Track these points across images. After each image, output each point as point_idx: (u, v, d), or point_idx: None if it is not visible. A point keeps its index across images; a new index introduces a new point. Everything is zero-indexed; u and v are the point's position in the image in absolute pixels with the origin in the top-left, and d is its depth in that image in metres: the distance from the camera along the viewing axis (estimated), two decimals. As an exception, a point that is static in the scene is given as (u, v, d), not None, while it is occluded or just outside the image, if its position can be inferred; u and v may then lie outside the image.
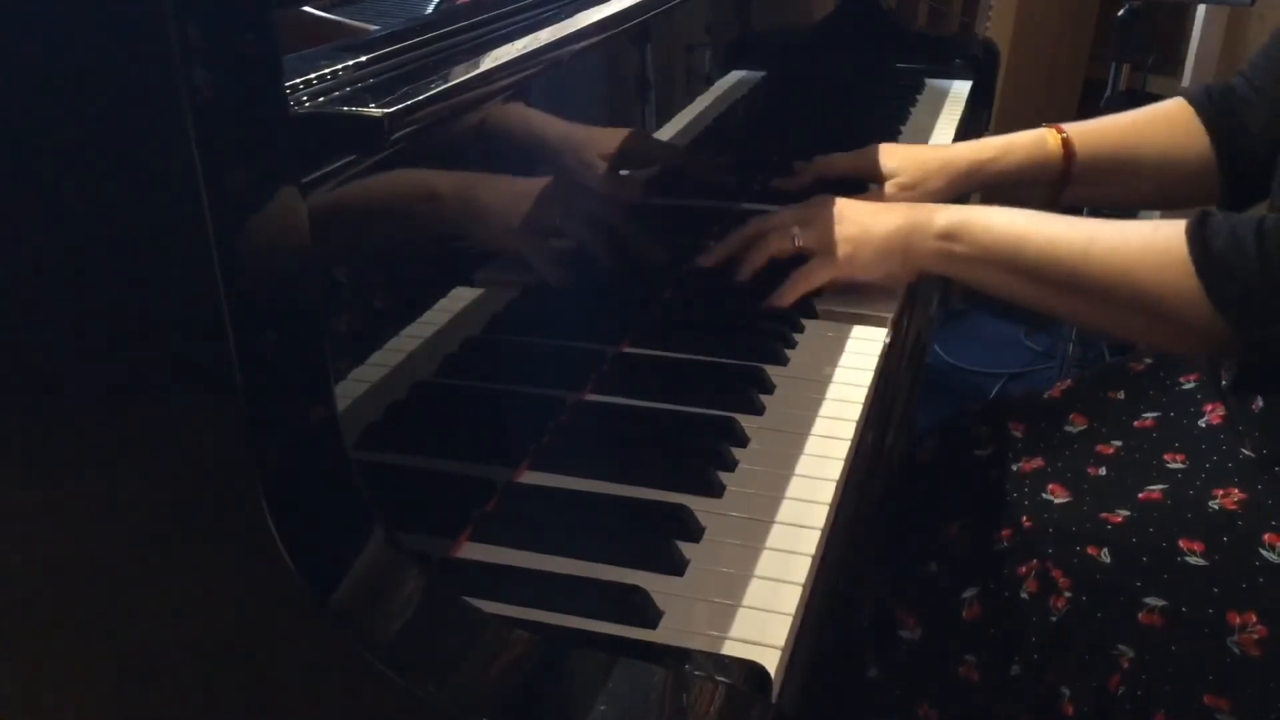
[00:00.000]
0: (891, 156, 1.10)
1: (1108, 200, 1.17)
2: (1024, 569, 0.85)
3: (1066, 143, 1.06)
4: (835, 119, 1.44)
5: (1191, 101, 1.04)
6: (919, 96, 1.53)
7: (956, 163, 1.08)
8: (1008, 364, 2.34)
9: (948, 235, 0.89)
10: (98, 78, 0.41)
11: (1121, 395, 1.00)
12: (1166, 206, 1.15)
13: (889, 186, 1.08)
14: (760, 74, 1.17)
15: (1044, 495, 0.91)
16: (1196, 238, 0.79)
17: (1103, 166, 1.07)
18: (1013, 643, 0.85)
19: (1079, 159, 1.06)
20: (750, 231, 0.98)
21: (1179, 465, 0.90)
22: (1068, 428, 1.00)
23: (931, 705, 0.88)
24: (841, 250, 0.93)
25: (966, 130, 1.45)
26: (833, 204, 0.95)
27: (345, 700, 0.49)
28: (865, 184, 1.12)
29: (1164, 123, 1.06)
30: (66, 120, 0.42)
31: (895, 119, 1.42)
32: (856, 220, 0.93)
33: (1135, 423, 0.97)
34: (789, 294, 0.94)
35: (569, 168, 0.79)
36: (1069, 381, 1.05)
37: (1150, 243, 0.80)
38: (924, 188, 1.07)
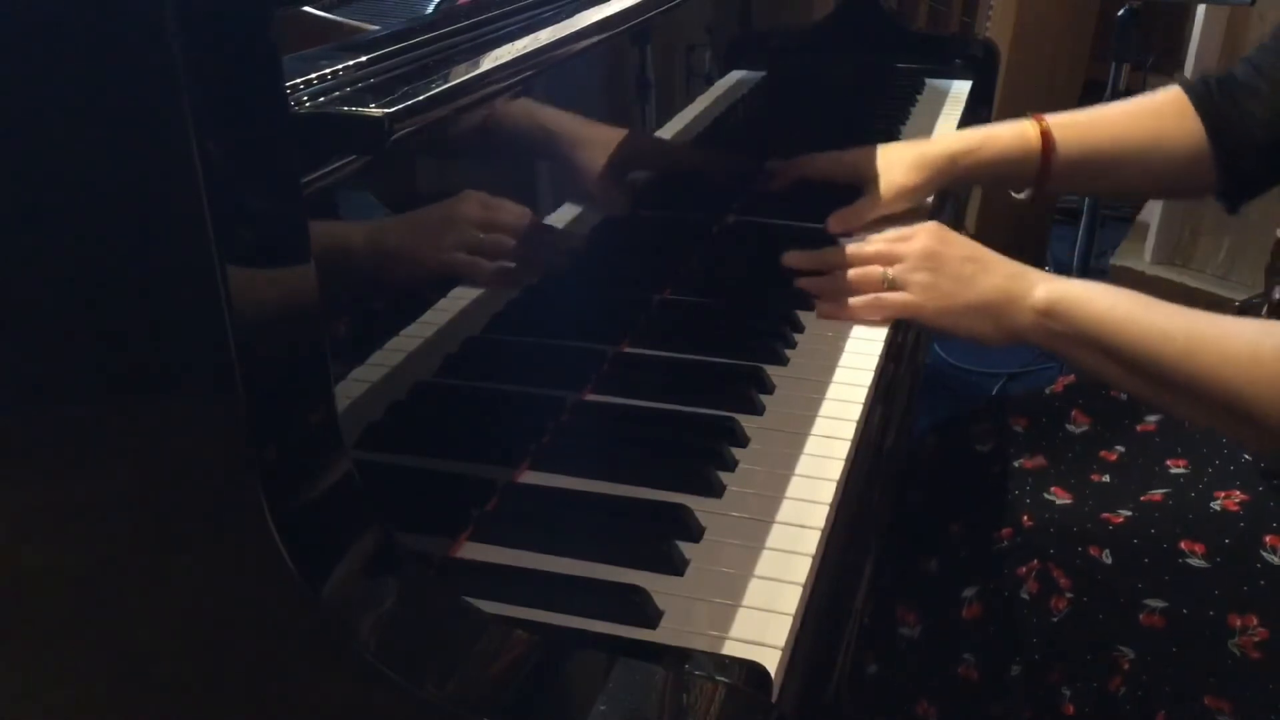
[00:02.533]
0: (872, 157, 1.09)
1: (1093, 190, 1.16)
2: (1025, 569, 0.85)
3: (1045, 134, 1.05)
4: (835, 119, 1.44)
5: (1187, 89, 1.03)
6: (919, 96, 1.53)
7: (932, 157, 1.07)
8: (1008, 364, 2.34)
9: (1046, 311, 0.85)
10: (98, 79, 0.41)
11: (1124, 394, 1.00)
12: (1158, 196, 1.14)
13: (868, 190, 1.07)
14: (760, 74, 1.17)
15: (1046, 495, 0.91)
16: None
17: (1084, 158, 1.06)
18: (1013, 642, 0.85)
19: (1059, 150, 1.05)
20: (837, 256, 0.95)
21: (1181, 470, 0.90)
22: (1070, 426, 0.99)
23: (931, 703, 0.88)
24: (933, 300, 0.90)
25: (966, 130, 1.44)
26: (934, 241, 0.92)
27: (345, 700, 0.49)
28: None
29: (1152, 113, 1.05)
30: (67, 121, 0.42)
31: (895, 119, 1.42)
32: (956, 274, 0.90)
33: (1138, 426, 0.97)
34: (859, 313, 0.92)
35: (569, 166, 0.79)
36: (1071, 376, 1.05)
37: (1256, 352, 0.76)
38: (905, 183, 1.06)
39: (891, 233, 0.96)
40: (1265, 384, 0.75)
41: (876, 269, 0.92)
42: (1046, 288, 0.86)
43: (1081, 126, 1.06)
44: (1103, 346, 0.83)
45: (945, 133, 1.11)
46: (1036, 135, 1.05)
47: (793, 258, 0.98)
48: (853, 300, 0.92)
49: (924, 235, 0.93)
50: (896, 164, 1.07)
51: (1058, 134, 1.05)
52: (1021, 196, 1.10)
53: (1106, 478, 0.92)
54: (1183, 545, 0.81)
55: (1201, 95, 1.02)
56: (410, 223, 0.62)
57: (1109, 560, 0.82)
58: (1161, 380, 0.80)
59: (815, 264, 0.97)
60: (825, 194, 1.10)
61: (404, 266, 0.62)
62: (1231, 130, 1.00)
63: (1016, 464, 0.97)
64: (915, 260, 0.91)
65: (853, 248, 0.96)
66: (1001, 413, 1.03)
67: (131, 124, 0.41)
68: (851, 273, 0.94)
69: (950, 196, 1.19)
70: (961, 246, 0.92)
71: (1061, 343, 0.86)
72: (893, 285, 0.91)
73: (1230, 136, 1.00)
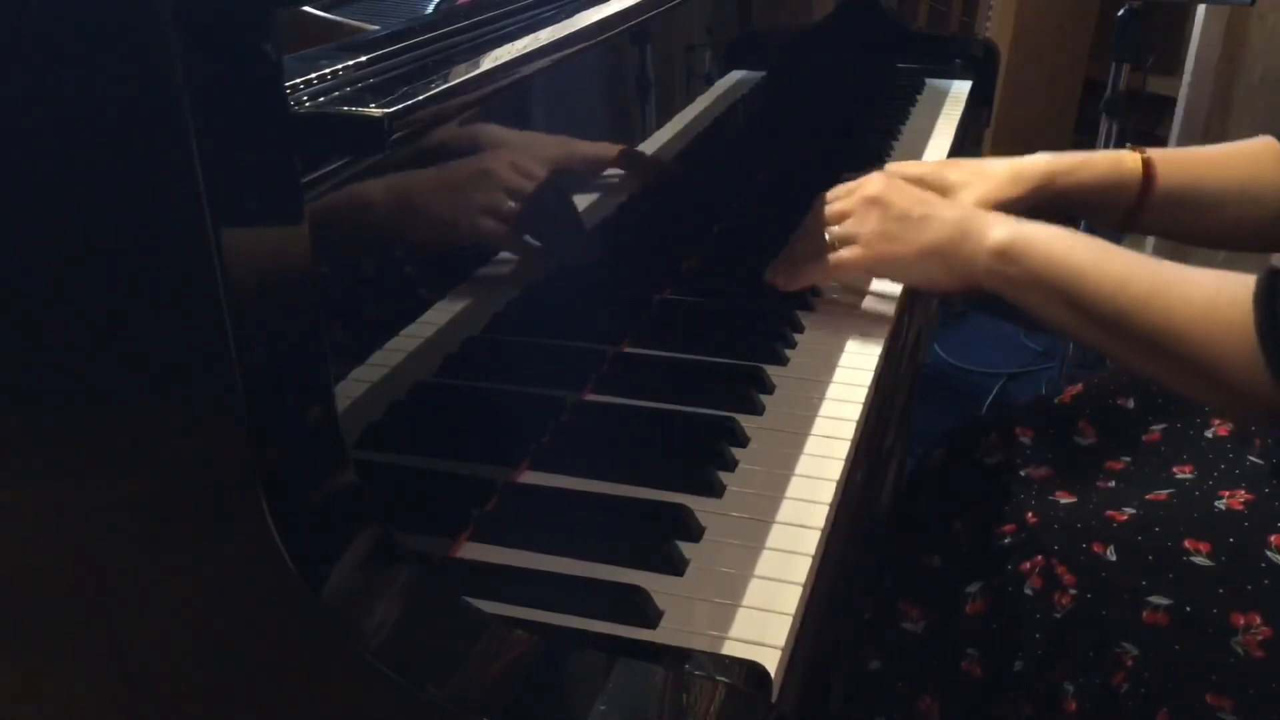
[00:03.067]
0: (957, 168, 1.05)
1: (1180, 233, 1.10)
2: (1028, 565, 0.85)
3: (1148, 164, 1.00)
4: (835, 119, 1.44)
5: None
6: (919, 96, 1.53)
7: (1030, 172, 1.01)
8: (1007, 364, 2.34)
9: (1002, 253, 0.82)
10: (98, 79, 0.41)
11: (1131, 403, 1.00)
12: (1240, 247, 1.10)
13: (964, 197, 1.01)
14: (760, 74, 1.17)
15: (1051, 497, 0.91)
16: (1264, 302, 0.74)
17: (1181, 195, 1.01)
18: (1016, 639, 0.85)
19: (1159, 183, 1.00)
20: (798, 234, 0.92)
21: (1187, 475, 0.90)
22: (1077, 438, 0.99)
23: (933, 698, 0.88)
24: (879, 247, 0.86)
25: (966, 130, 1.45)
26: (880, 188, 0.88)
27: (345, 700, 0.49)
28: None
29: (1248, 159, 1.01)
30: (66, 120, 0.42)
31: (895, 119, 1.43)
32: (904, 214, 0.85)
33: (1144, 437, 0.97)
34: (805, 277, 0.88)
35: (567, 178, 0.79)
36: (1078, 386, 1.04)
37: (1213, 301, 0.75)
38: (998, 196, 1.00)
39: (841, 187, 0.92)
40: (1221, 333, 0.74)
41: (823, 229, 0.89)
42: (1002, 229, 0.83)
43: (1180, 162, 1.02)
44: (1059, 291, 0.80)
45: (1040, 153, 1.06)
46: (1137, 165, 1.00)
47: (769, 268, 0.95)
48: (800, 266, 0.89)
49: (870, 183, 0.89)
50: (990, 175, 1.02)
51: (1159, 166, 1.00)
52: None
53: (1112, 484, 0.93)
54: (1187, 543, 0.81)
55: None
56: (434, 176, 0.61)
57: (1113, 557, 0.82)
58: (1120, 330, 0.78)
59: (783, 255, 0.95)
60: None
61: (426, 219, 0.61)
62: None
63: (1023, 473, 0.97)
64: (861, 210, 0.87)
65: (812, 212, 0.93)
66: (1008, 423, 1.03)
67: (131, 124, 0.41)
68: (803, 239, 0.91)
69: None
70: (910, 191, 0.88)
71: (1016, 288, 0.83)
72: (842, 241, 0.88)
73: None
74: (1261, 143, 1.02)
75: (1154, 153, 1.02)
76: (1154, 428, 0.97)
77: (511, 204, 0.69)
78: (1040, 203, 1.02)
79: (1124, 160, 1.02)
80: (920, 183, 1.06)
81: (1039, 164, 1.03)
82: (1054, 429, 1.01)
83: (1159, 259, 0.80)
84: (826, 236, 0.88)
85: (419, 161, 0.60)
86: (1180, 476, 0.90)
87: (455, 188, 0.64)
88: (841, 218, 0.89)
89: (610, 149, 0.85)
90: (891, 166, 1.09)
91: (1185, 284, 0.76)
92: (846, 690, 0.91)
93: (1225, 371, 0.74)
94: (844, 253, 0.88)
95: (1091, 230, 0.86)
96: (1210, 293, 0.75)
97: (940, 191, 1.03)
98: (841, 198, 0.91)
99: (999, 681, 0.86)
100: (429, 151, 0.61)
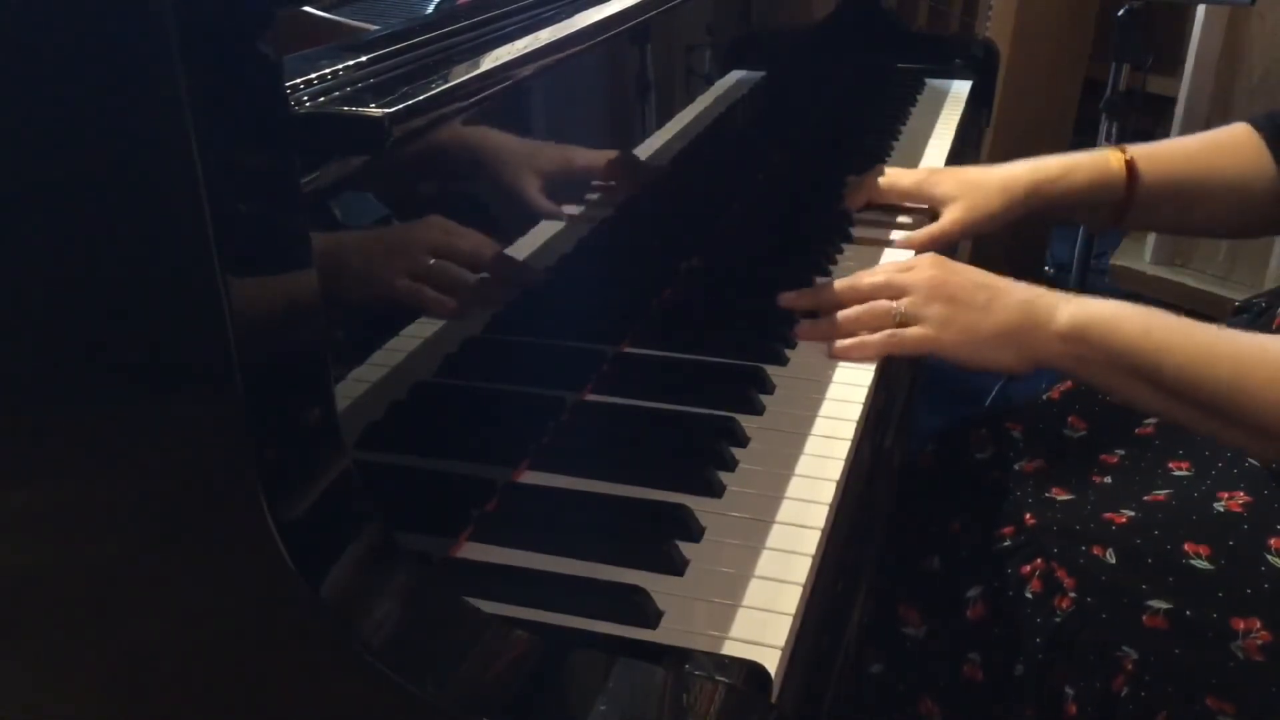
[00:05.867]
0: (946, 180, 1.05)
1: (1169, 226, 1.11)
2: (1028, 568, 0.85)
3: (1130, 164, 1.01)
4: (835, 119, 1.44)
5: (1257, 127, 1.01)
6: (919, 96, 1.53)
7: (1017, 184, 1.02)
8: (1008, 364, 2.34)
9: (1073, 337, 0.82)
10: (98, 79, 0.41)
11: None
12: (1235, 235, 1.10)
13: (955, 210, 1.03)
14: (760, 74, 1.17)
15: (1047, 494, 0.91)
16: None
17: (1167, 190, 1.03)
18: (1017, 642, 0.85)
19: (1143, 181, 1.01)
20: (845, 290, 0.90)
21: (1184, 472, 0.90)
22: (1067, 431, 0.99)
23: (934, 702, 0.88)
24: (952, 333, 0.85)
25: (966, 130, 1.45)
26: (940, 270, 0.88)
27: (345, 700, 0.49)
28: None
29: (1228, 148, 1.02)
30: (66, 121, 0.42)
31: (895, 119, 1.43)
32: (970, 303, 0.85)
33: (1136, 430, 0.97)
34: (874, 350, 0.87)
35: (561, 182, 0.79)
36: (1067, 384, 1.05)
37: None
38: (988, 209, 1.02)
39: (893, 265, 0.92)
40: None
41: (884, 304, 0.87)
42: (1070, 310, 0.82)
43: (1163, 158, 1.03)
44: (1140, 371, 0.79)
45: (1023, 160, 1.05)
46: (1121, 165, 1.02)
47: (788, 299, 0.93)
48: (868, 339, 0.87)
49: (928, 265, 0.89)
50: (979, 187, 1.02)
51: (1142, 165, 1.02)
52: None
53: (1108, 479, 0.92)
54: (1186, 547, 0.81)
55: (1271, 131, 1.00)
56: (366, 241, 0.59)
57: (1112, 560, 0.82)
58: (1206, 405, 0.77)
59: (813, 303, 0.92)
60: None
61: (358, 284, 0.59)
62: None
63: (1016, 467, 0.97)
64: (925, 292, 0.86)
65: (845, 282, 0.91)
66: (998, 420, 1.03)
67: (131, 124, 0.41)
68: (857, 310, 0.88)
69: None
70: (969, 273, 0.88)
71: (1091, 368, 0.82)
72: (904, 320, 0.87)
73: None
74: (1239, 130, 1.03)
75: (1135, 150, 1.03)
76: (1146, 421, 0.97)
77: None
78: (1029, 212, 1.04)
79: (1108, 161, 1.03)
80: (910, 195, 1.07)
81: (1026, 174, 1.03)
82: (1044, 423, 1.01)
83: (1232, 329, 0.80)
84: (893, 309, 0.87)
85: (410, 176, 0.60)
86: (1178, 474, 0.90)
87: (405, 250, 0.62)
88: (900, 294, 0.87)
89: (607, 153, 0.85)
90: (885, 177, 1.10)
91: (1272, 356, 0.76)
92: (848, 693, 0.91)
93: None
94: (913, 333, 0.86)
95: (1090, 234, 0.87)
96: None
97: (931, 205, 1.03)
98: (894, 273, 0.89)
99: (1000, 685, 0.86)
100: (421, 162, 0.61)
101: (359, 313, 0.58)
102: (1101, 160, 1.03)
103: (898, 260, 0.93)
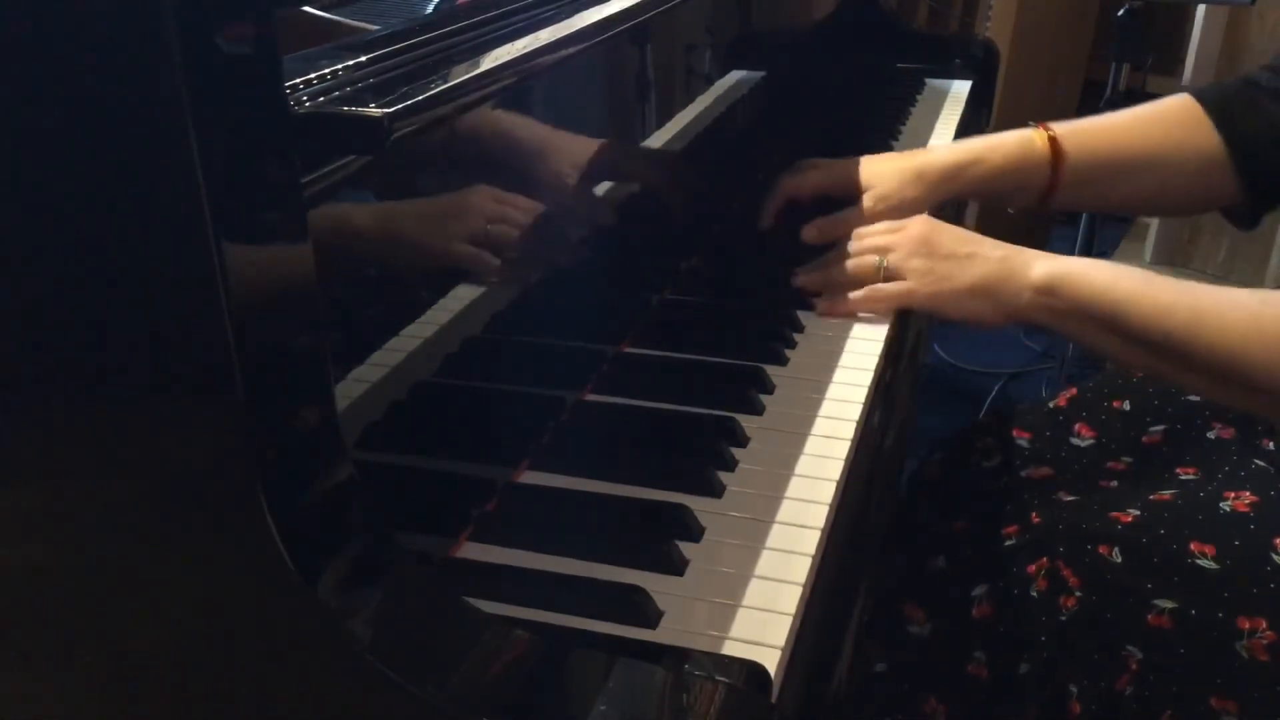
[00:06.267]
0: (864, 168, 1.05)
1: (1101, 203, 1.11)
2: (1034, 567, 0.85)
3: (1054, 142, 1.00)
4: (835, 119, 1.44)
5: (1199, 97, 1.00)
6: (919, 96, 1.53)
7: (931, 170, 1.02)
8: (1007, 364, 2.34)
9: (1045, 289, 0.85)
10: (97, 79, 0.41)
11: (1127, 405, 1.00)
12: (1166, 211, 1.10)
13: (865, 200, 1.02)
14: (760, 74, 1.17)
15: (1053, 496, 0.91)
16: None
17: (1094, 168, 1.02)
18: (1022, 641, 0.85)
19: (1069, 160, 1.00)
20: (836, 257, 0.94)
21: (1191, 476, 0.90)
22: (1074, 440, 0.99)
23: (939, 700, 0.88)
24: (929, 284, 0.89)
25: (967, 130, 1.45)
26: (926, 228, 0.91)
27: (345, 700, 0.49)
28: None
29: (1160, 121, 1.01)
30: (66, 121, 0.42)
31: (895, 119, 1.42)
32: (951, 254, 0.89)
33: (1144, 438, 0.97)
34: (857, 305, 0.91)
35: (561, 175, 0.79)
36: (1073, 391, 1.05)
37: (1259, 316, 0.77)
38: (900, 198, 1.01)
39: (884, 225, 0.95)
40: (1266, 351, 0.76)
41: (870, 259, 0.92)
42: (1044, 265, 0.86)
43: (1090, 134, 1.02)
44: (1105, 322, 0.83)
45: (943, 143, 1.06)
46: (1045, 143, 1.01)
47: (801, 278, 0.96)
48: (851, 294, 0.91)
49: (917, 223, 0.92)
50: (893, 175, 1.02)
51: (1066, 142, 1.00)
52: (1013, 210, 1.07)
53: (1115, 483, 0.92)
54: (1192, 546, 0.81)
55: (1216, 103, 0.99)
56: (419, 210, 0.62)
57: (1118, 559, 0.82)
58: (1165, 353, 0.81)
59: (818, 274, 0.95)
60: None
61: (409, 254, 0.62)
62: (1254, 138, 0.97)
63: (1024, 474, 0.97)
64: (909, 247, 0.90)
65: (846, 244, 0.95)
66: (1004, 427, 1.03)
67: (131, 124, 0.41)
68: (848, 264, 0.93)
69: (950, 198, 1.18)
70: (955, 231, 0.91)
71: (1062, 319, 0.86)
72: (889, 275, 0.91)
73: (1252, 144, 0.97)
74: (1178, 101, 1.01)
75: (1060, 128, 1.02)
76: (1153, 429, 0.97)
77: (501, 229, 0.70)
78: (950, 196, 1.04)
79: (1032, 140, 1.02)
80: (822, 187, 1.06)
81: (943, 159, 1.03)
82: (1051, 431, 1.00)
83: (1196, 283, 0.83)
84: (878, 263, 0.91)
85: (412, 175, 0.60)
86: (1184, 477, 0.90)
87: (440, 218, 0.64)
88: (885, 251, 0.91)
89: (607, 152, 0.85)
90: (792, 175, 1.08)
91: (1228, 305, 0.79)
92: (852, 692, 0.91)
93: (1274, 384, 0.76)
94: (892, 286, 0.90)
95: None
96: (1254, 309, 0.78)
97: (849, 191, 1.03)
98: (883, 233, 0.93)
99: (1004, 684, 0.86)
100: (424, 160, 0.61)
101: (414, 279, 0.61)
102: (1025, 139, 1.02)
103: (890, 221, 0.96)
